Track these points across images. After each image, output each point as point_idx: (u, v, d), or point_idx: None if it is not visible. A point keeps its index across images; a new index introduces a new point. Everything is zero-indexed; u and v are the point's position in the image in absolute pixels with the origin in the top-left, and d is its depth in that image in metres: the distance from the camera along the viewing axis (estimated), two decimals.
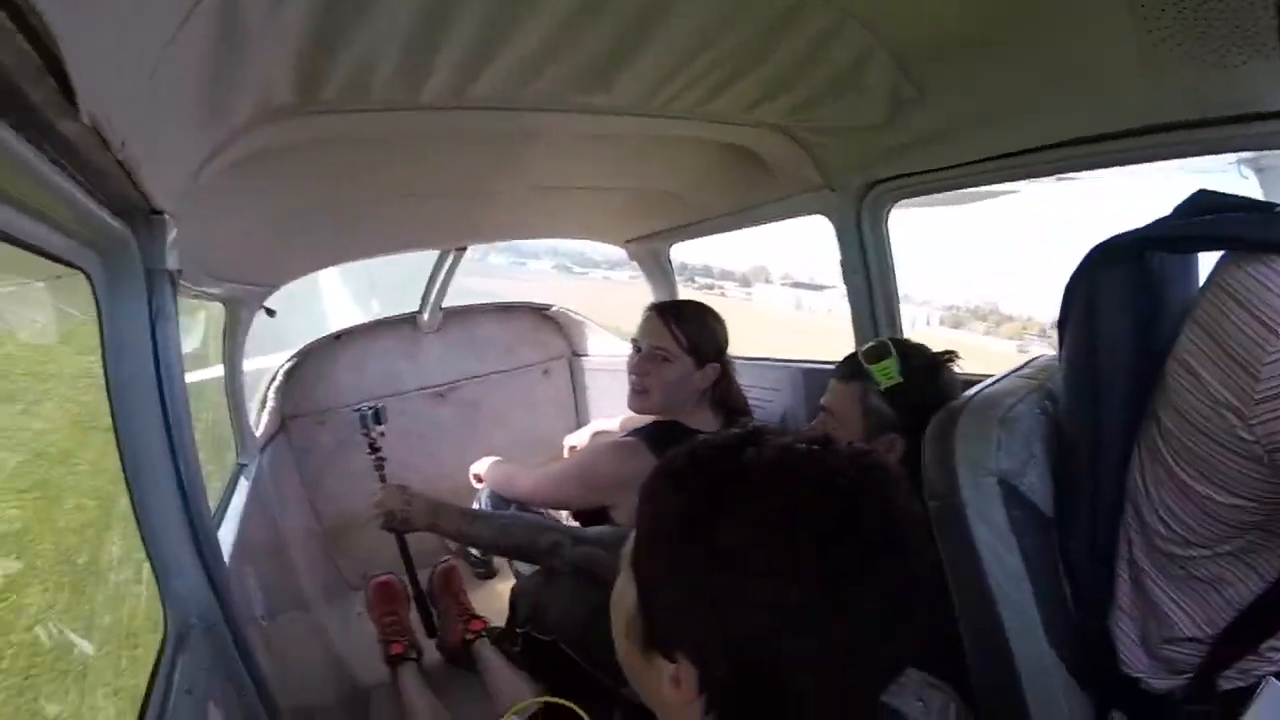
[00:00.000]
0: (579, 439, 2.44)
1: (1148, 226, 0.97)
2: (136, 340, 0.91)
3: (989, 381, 1.18)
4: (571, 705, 0.90)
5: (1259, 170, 1.43)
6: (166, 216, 0.89)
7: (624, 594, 0.63)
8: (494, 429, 3.12)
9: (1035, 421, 1.09)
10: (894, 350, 1.39)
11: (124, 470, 0.95)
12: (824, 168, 1.68)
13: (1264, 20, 0.87)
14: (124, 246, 0.88)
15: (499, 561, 2.71)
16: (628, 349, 2.45)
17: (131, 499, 0.96)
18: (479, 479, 2.07)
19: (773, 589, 0.51)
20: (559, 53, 1.06)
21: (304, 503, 2.72)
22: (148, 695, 0.89)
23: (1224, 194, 0.96)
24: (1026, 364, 1.30)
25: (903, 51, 1.20)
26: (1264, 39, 0.89)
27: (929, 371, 1.40)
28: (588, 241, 2.93)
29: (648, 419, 1.95)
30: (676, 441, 1.63)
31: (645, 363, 1.78)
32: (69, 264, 0.82)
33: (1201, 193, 0.98)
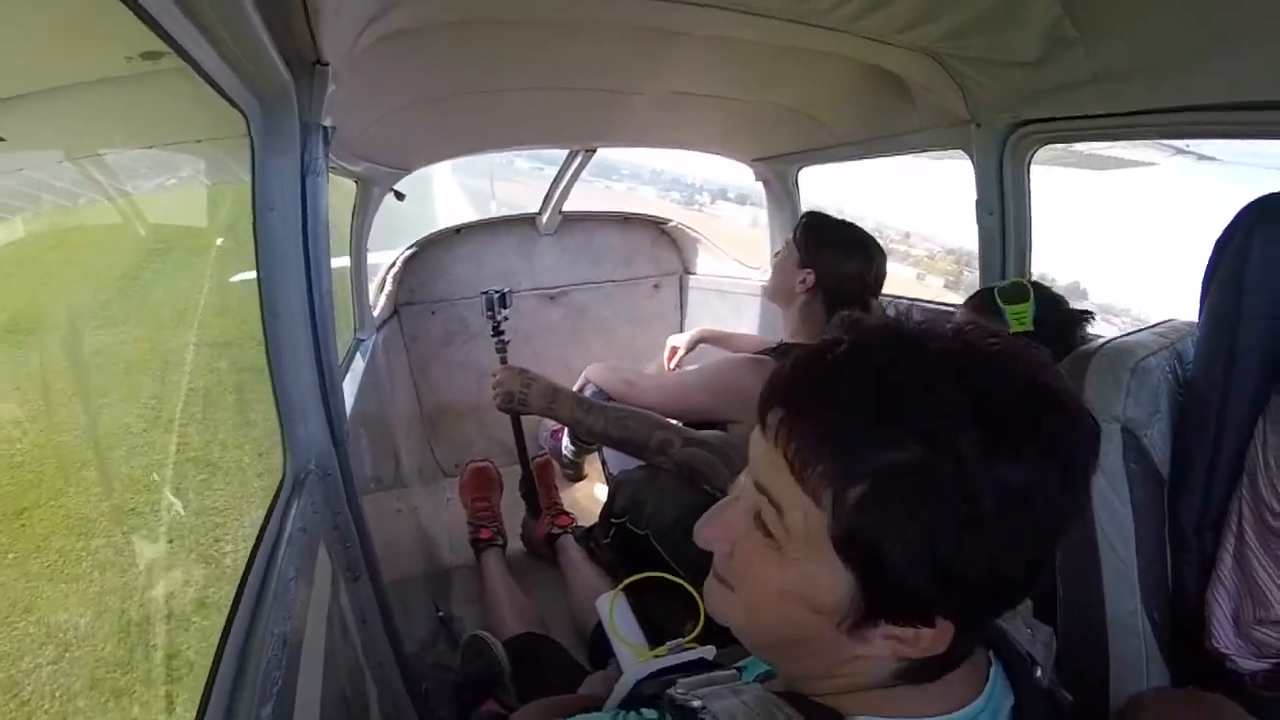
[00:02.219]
0: (681, 340, 2.49)
1: None
2: (287, 189, 0.95)
3: (1122, 334, 1.14)
4: (677, 579, 0.92)
5: None
6: (330, 68, 0.91)
7: (814, 575, 0.52)
8: (597, 336, 3.17)
9: (1165, 378, 1.05)
10: (1033, 295, 1.34)
11: (262, 315, 1.00)
12: (972, 101, 1.60)
13: None
14: (284, 96, 0.91)
15: (590, 467, 2.79)
16: (738, 269, 2.41)
17: (266, 344, 1.01)
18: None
19: (1022, 514, 0.47)
20: None
21: (409, 387, 2.83)
22: (263, 528, 0.95)
23: None
24: (1159, 324, 1.25)
25: None
26: None
27: (1062, 326, 1.36)
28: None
29: (760, 341, 2.00)
30: None
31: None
32: (233, 103, 0.85)
33: None
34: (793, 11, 1.29)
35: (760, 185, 2.82)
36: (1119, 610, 1.01)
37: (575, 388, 1.98)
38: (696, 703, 0.58)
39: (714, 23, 1.32)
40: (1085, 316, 1.39)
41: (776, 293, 1.88)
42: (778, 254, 1.90)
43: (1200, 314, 1.04)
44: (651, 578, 0.93)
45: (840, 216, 1.86)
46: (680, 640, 0.87)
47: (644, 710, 0.62)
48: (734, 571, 0.58)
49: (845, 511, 0.48)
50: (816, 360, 0.53)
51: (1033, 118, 1.56)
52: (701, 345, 2.46)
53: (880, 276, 1.80)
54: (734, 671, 0.69)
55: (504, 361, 2.10)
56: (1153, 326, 1.21)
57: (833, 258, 1.79)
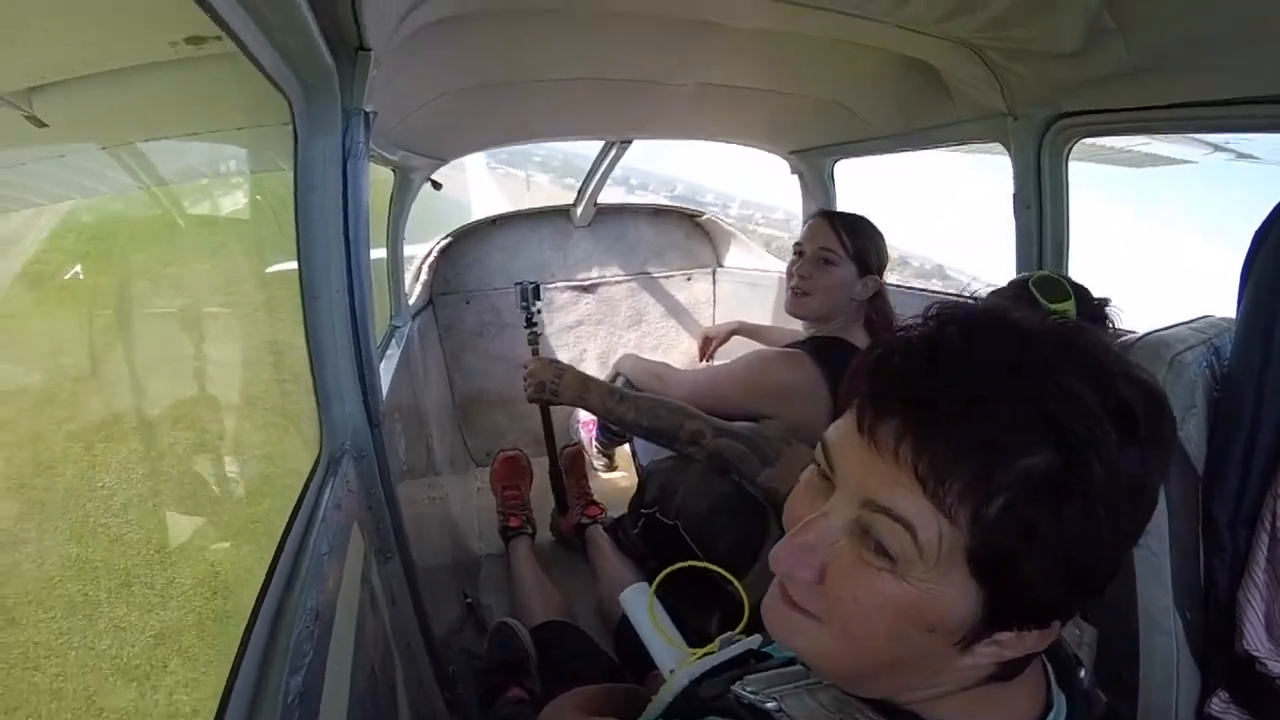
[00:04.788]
0: (716, 332, 2.48)
1: None
2: (329, 173, 0.97)
3: (1157, 328, 1.12)
4: (718, 569, 0.91)
5: None
6: (371, 54, 0.92)
7: (940, 595, 0.47)
8: (629, 329, 3.19)
9: (1201, 373, 1.04)
10: (1073, 294, 1.32)
11: (302, 296, 1.02)
12: (1009, 93, 1.59)
13: None
14: (328, 80, 0.93)
15: (620, 457, 2.81)
16: (770, 263, 2.36)
17: (305, 323, 1.03)
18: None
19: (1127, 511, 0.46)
20: None
21: (443, 376, 2.87)
22: (299, 504, 0.97)
23: None
24: (1195, 320, 1.22)
25: None
26: None
27: (1096, 322, 1.33)
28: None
29: (793, 335, 1.95)
30: (840, 355, 1.61)
31: (809, 265, 1.77)
32: (278, 86, 0.87)
33: None
34: (830, 1, 1.28)
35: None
36: (1150, 606, 1.00)
37: (606, 379, 1.99)
38: (770, 704, 0.55)
39: (751, 14, 1.32)
40: (1111, 309, 1.37)
41: (834, 311, 1.78)
42: (799, 270, 1.79)
43: (1238, 308, 1.03)
44: (683, 568, 0.92)
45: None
46: (730, 634, 0.84)
47: (709, 718, 0.59)
48: (824, 599, 0.51)
49: (986, 527, 0.45)
50: (929, 357, 0.48)
51: (1071, 110, 1.54)
52: (735, 338, 2.45)
53: None
54: (801, 668, 0.64)
55: (536, 353, 2.12)
56: (1190, 321, 1.18)
57: (881, 257, 1.78)
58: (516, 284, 2.22)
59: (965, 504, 0.45)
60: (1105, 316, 1.35)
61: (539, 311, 2.21)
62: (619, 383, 1.94)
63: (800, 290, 1.78)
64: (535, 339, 2.17)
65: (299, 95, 0.93)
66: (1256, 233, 0.98)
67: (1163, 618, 0.99)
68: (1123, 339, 1.08)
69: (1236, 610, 0.98)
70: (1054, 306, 1.30)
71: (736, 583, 0.89)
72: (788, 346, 1.77)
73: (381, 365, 1.73)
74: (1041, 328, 0.48)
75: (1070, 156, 1.63)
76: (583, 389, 1.69)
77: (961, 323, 0.49)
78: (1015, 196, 1.72)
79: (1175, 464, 0.98)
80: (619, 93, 2.00)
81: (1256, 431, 0.97)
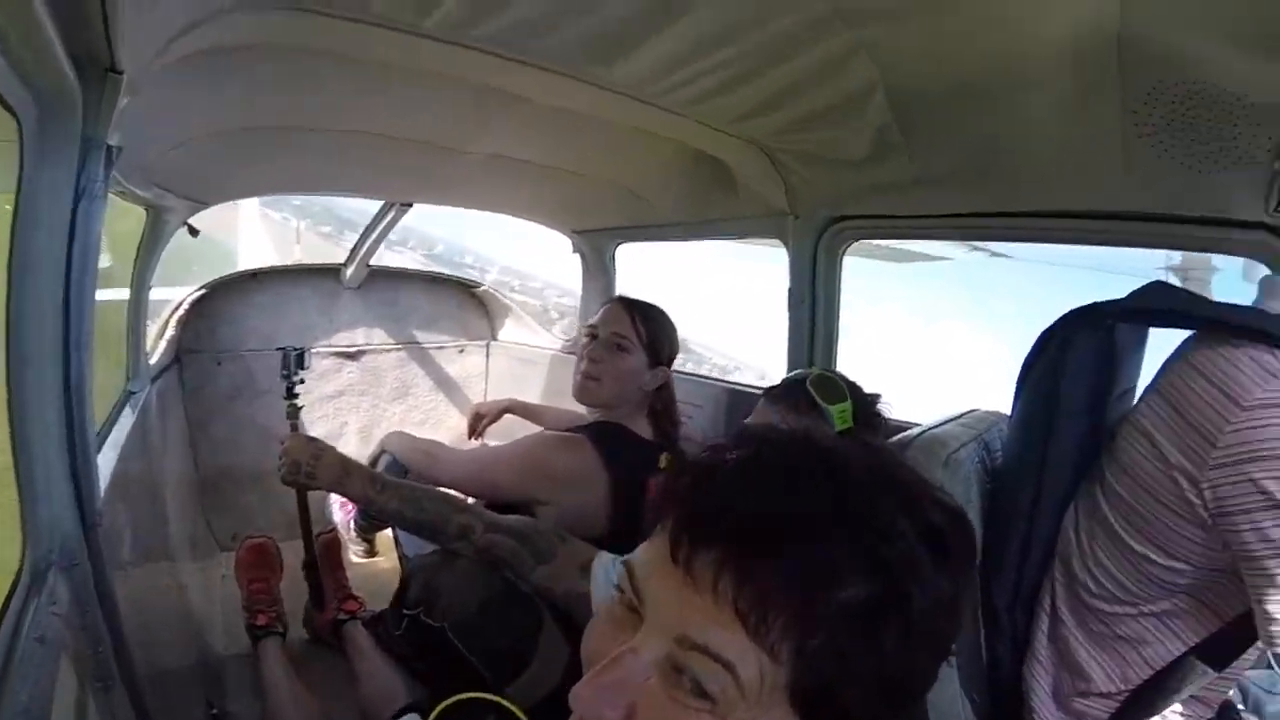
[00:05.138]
0: (488, 408, 2.33)
1: (1124, 300, 1.03)
2: (55, 213, 0.78)
3: (928, 425, 1.20)
4: (498, 699, 0.81)
5: (1184, 281, 1.58)
6: (124, 78, 0.77)
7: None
8: (395, 402, 2.99)
9: (974, 469, 1.13)
10: (849, 393, 1.37)
11: (7, 359, 0.80)
12: (793, 194, 1.68)
13: (1253, 141, 0.96)
14: (68, 101, 0.76)
15: (382, 541, 2.54)
16: (547, 340, 2.30)
17: (10, 397, 0.81)
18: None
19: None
20: (579, 14, 1.02)
21: (185, 446, 2.51)
22: None
23: (1178, 288, 1.06)
24: (963, 414, 1.33)
25: (900, 92, 1.21)
26: (1251, 155, 0.97)
27: (870, 418, 1.39)
28: None
29: (571, 416, 1.90)
30: (621, 443, 1.57)
31: (602, 349, 1.72)
32: (3, 102, 0.70)
33: (1157, 283, 1.05)
34: (636, 91, 1.29)
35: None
36: (939, 695, 1.03)
37: (370, 457, 1.86)
38: None
39: (554, 91, 1.30)
40: (881, 404, 1.44)
41: (621, 398, 1.75)
42: (590, 353, 1.74)
43: (1014, 407, 1.12)
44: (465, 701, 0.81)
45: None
46: None
47: None
48: None
49: (808, 661, 0.43)
50: (748, 485, 0.46)
51: (851, 214, 1.65)
52: (508, 416, 2.34)
53: None
54: None
55: (295, 427, 1.93)
56: (958, 417, 1.29)
57: (672, 348, 1.78)
58: (279, 349, 2.00)
59: (788, 639, 0.43)
60: (878, 414, 1.42)
61: (301, 381, 2.00)
62: (384, 461, 1.80)
63: (590, 375, 1.73)
64: (295, 412, 1.96)
65: (31, 115, 0.75)
66: (1037, 341, 1.08)
67: (951, 705, 1.03)
68: (896, 437, 1.14)
69: (1024, 687, 1.05)
70: (833, 408, 1.36)
71: (516, 711, 0.80)
72: (569, 430, 1.73)
73: (110, 439, 1.46)
74: (856, 456, 0.48)
75: (844, 254, 1.75)
76: (342, 473, 1.52)
77: (777, 448, 0.48)
78: (790, 292, 1.80)
79: None
80: (406, 153, 1.89)
81: (1034, 524, 1.05)
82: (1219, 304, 0.97)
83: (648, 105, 1.36)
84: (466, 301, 3.14)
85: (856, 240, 1.72)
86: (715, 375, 2.38)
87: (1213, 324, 0.92)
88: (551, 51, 1.14)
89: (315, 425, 2.72)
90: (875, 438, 1.34)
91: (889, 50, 1.10)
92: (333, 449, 1.56)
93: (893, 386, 1.49)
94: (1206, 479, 0.85)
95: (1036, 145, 1.20)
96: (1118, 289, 1.06)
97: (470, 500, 1.61)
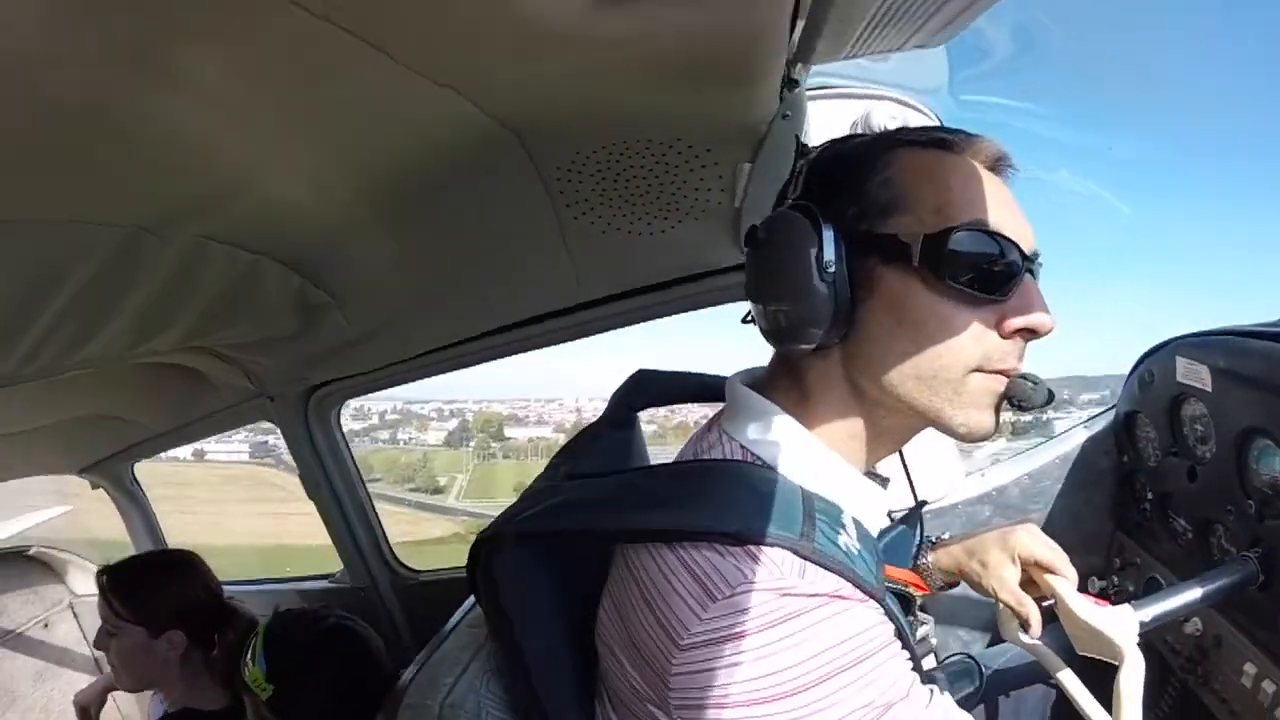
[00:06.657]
0: (89, 698, 1.83)
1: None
2: None
3: (429, 646, 0.97)
4: None
5: None
6: None
7: None
8: None
9: (482, 702, 0.86)
10: (260, 657, 1.31)
11: None
12: (257, 379, 1.63)
13: (680, 187, 0.96)
14: None
15: None
16: None
17: None
18: None
19: None
20: None
21: None
22: None
23: (662, 371, 0.97)
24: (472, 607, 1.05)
25: (298, 259, 1.15)
26: (688, 206, 1.00)
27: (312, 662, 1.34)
28: None
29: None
30: None
31: (104, 638, 1.52)
32: None
33: (641, 372, 0.97)
34: (68, 359, 1.09)
35: None
36: None
37: None
38: None
39: None
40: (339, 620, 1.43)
41: (143, 682, 1.57)
42: (99, 643, 1.55)
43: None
44: None
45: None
46: None
47: None
48: None
49: None
50: None
51: (323, 380, 1.63)
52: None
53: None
54: None
55: None
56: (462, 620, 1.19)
57: (181, 600, 1.56)
58: None
59: None
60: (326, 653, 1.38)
61: None
62: None
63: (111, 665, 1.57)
64: None
65: None
66: (469, 570, 0.90)
67: None
68: (395, 690, 0.97)
69: None
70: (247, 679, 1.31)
71: None
72: None
73: None
74: None
75: (339, 418, 1.73)
76: None
77: None
78: (303, 478, 1.73)
79: None
80: None
81: None
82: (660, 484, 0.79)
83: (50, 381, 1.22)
84: (27, 569, 2.59)
85: (343, 402, 1.70)
86: None
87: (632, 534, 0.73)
88: None
89: None
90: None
91: (250, 231, 1.01)
92: None
93: None
94: (676, 718, 0.67)
95: (483, 266, 1.20)
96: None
97: None
